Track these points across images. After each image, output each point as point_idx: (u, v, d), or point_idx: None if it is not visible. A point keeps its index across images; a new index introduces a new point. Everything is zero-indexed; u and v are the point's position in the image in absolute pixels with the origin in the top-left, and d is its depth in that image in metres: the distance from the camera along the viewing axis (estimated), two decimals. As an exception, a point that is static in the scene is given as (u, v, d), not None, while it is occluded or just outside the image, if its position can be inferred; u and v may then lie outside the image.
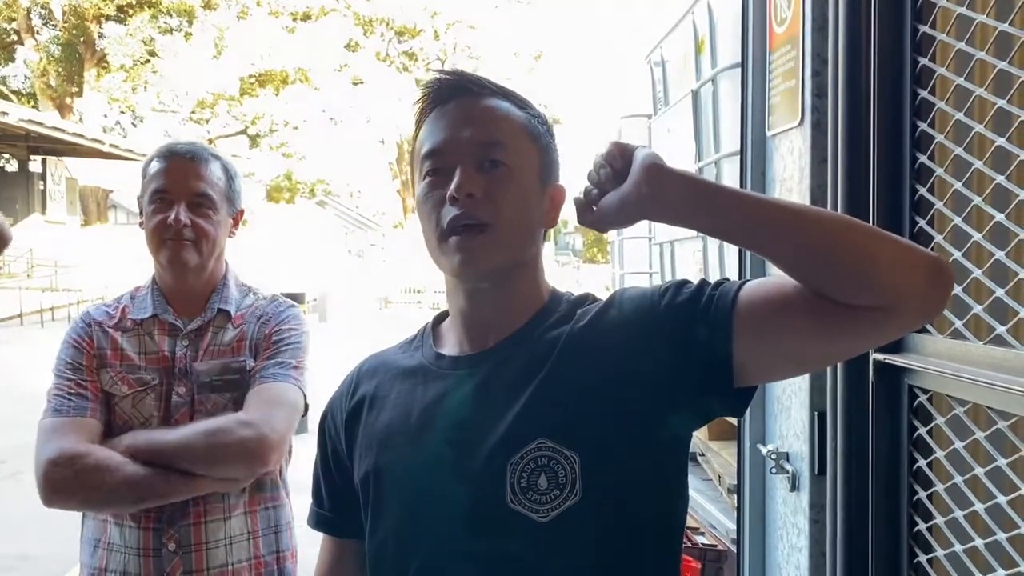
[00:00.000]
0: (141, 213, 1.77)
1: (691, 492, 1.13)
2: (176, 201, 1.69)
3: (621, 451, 1.00)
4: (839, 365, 1.74)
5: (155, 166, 1.73)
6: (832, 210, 1.71)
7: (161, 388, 1.69)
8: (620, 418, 1.00)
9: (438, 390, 1.09)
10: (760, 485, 2.12)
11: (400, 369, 1.16)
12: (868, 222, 1.66)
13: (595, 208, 1.04)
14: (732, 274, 2.99)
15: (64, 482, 1.54)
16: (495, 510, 0.99)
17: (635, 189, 0.97)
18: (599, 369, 1.02)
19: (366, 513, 1.13)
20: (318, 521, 1.25)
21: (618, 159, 1.00)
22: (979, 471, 1.44)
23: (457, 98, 1.08)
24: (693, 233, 3.38)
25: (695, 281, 1.06)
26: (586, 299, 1.14)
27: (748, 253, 2.15)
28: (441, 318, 1.20)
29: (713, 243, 3.24)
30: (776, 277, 0.99)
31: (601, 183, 1.02)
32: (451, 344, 1.14)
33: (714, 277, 3.39)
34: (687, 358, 0.99)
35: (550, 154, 1.12)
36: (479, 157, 1.04)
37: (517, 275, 1.10)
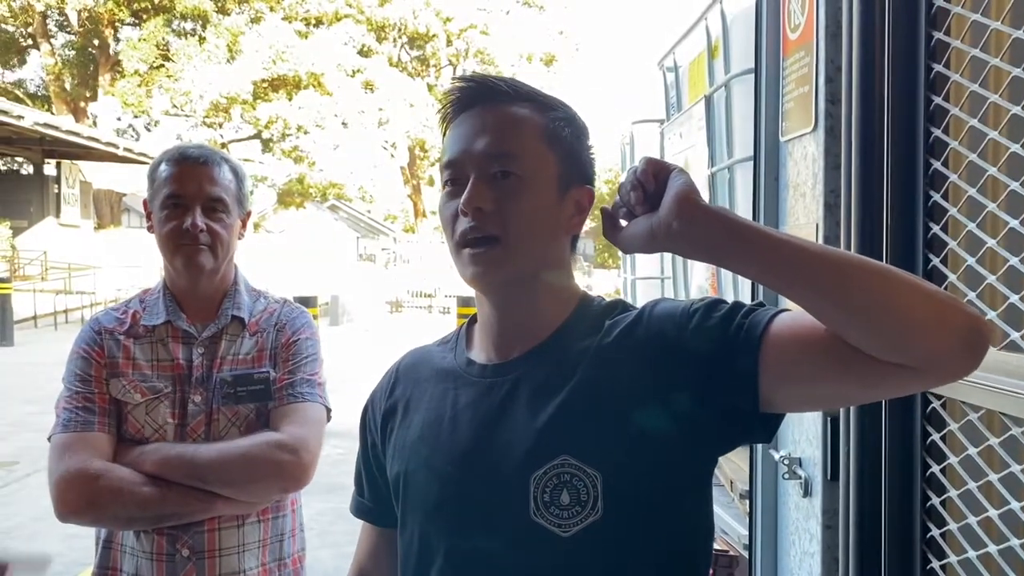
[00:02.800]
0: (148, 217, 1.77)
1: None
2: (191, 206, 1.69)
3: (642, 471, 1.00)
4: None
5: (166, 170, 1.71)
6: (849, 240, 1.71)
7: (175, 396, 1.69)
8: (643, 439, 0.99)
9: (468, 398, 1.10)
10: (772, 490, 2.12)
11: (435, 370, 1.17)
12: (881, 228, 1.67)
13: (623, 225, 1.02)
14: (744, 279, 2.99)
15: (79, 502, 1.55)
16: (518, 521, 1.00)
17: (665, 222, 0.94)
18: (624, 389, 1.01)
19: (398, 511, 1.16)
20: (358, 509, 1.28)
21: (651, 181, 0.97)
22: (993, 477, 1.43)
23: (477, 106, 1.07)
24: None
25: (728, 302, 1.03)
26: (616, 307, 1.12)
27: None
28: (475, 320, 1.20)
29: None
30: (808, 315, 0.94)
31: (631, 205, 0.99)
32: (480, 350, 1.14)
33: (727, 283, 3.35)
34: (712, 386, 0.98)
35: (574, 157, 1.09)
36: (489, 169, 1.04)
37: (538, 284, 1.09)
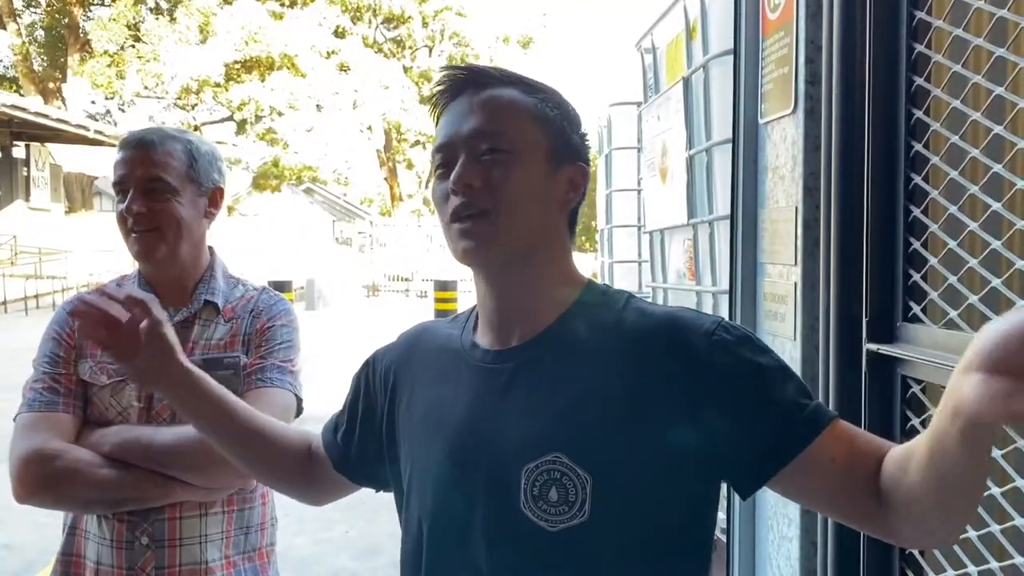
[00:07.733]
0: None
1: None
2: (128, 190, 1.65)
3: (636, 484, 0.98)
4: (832, 354, 1.73)
5: (116, 156, 1.70)
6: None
7: None
8: (645, 456, 0.97)
9: (469, 381, 1.09)
10: (750, 475, 2.11)
11: (440, 348, 1.17)
12: (862, 210, 1.66)
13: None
14: (723, 257, 2.97)
15: (36, 482, 1.52)
16: (508, 511, 0.99)
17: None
18: (640, 400, 0.98)
19: (401, 487, 1.16)
20: (328, 445, 1.29)
21: None
22: (972, 462, 1.43)
23: (465, 92, 1.08)
24: (683, 221, 3.36)
25: (779, 363, 0.99)
26: (621, 296, 1.09)
27: (739, 241, 2.13)
28: None
29: (704, 234, 3.23)
30: (862, 447, 0.94)
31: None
32: (483, 334, 1.12)
33: (704, 267, 3.29)
34: (740, 451, 0.97)
35: (563, 136, 1.09)
36: (477, 147, 1.04)
37: (534, 263, 1.06)
